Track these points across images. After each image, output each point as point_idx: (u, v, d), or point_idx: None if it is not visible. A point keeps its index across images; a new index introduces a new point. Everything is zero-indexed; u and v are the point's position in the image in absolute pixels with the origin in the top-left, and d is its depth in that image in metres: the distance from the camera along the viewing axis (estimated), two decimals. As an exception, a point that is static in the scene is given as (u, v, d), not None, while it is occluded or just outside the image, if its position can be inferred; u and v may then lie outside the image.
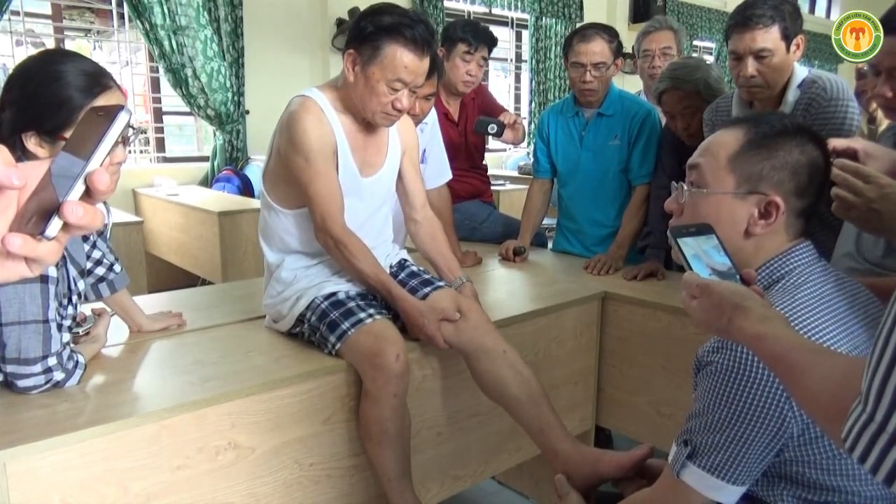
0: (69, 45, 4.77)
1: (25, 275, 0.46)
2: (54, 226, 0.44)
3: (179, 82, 4.64)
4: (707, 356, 0.94)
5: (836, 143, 1.19)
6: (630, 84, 6.80)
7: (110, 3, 4.75)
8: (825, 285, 0.98)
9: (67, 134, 1.17)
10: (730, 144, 1.01)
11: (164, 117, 5.07)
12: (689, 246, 0.89)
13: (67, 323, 1.33)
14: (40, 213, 0.44)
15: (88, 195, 0.45)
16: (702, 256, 0.89)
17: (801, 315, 0.92)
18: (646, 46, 2.80)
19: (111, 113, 0.46)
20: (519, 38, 7.03)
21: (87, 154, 0.45)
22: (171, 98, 4.90)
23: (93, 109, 0.48)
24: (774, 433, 0.88)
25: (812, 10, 10.38)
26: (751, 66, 1.82)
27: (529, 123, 6.71)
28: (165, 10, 4.47)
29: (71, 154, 0.46)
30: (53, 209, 0.44)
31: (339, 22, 5.13)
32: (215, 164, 4.89)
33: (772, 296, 0.96)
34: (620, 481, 1.27)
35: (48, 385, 1.28)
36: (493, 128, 2.43)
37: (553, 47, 6.83)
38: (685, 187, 1.05)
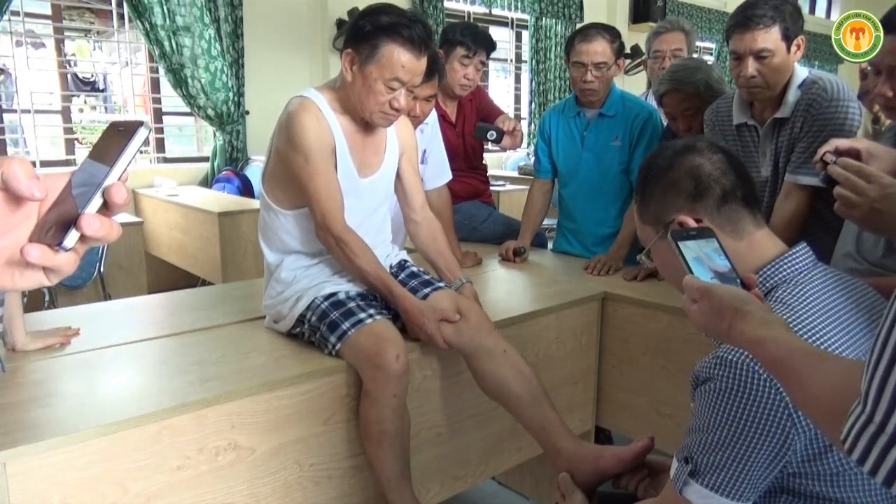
0: (69, 46, 4.77)
1: (43, 283, 0.47)
2: (71, 237, 0.45)
3: (180, 82, 4.63)
4: (706, 372, 0.92)
5: (838, 143, 1.19)
6: (630, 84, 6.80)
7: (110, 4, 4.75)
8: (826, 290, 0.96)
9: None
10: (634, 209, 1.15)
11: (164, 117, 5.07)
12: (691, 249, 0.89)
13: None
14: (59, 224, 0.45)
15: (106, 208, 0.46)
16: (703, 259, 0.89)
17: (800, 324, 0.90)
18: (657, 47, 2.77)
19: (131, 128, 0.47)
20: (519, 38, 7.02)
21: (106, 168, 0.46)
22: (171, 98, 4.90)
23: (113, 124, 0.49)
24: (777, 451, 0.87)
25: (812, 10, 10.38)
26: (751, 67, 1.82)
27: (529, 124, 6.71)
28: (165, 11, 4.47)
29: (90, 167, 0.47)
30: (72, 221, 0.45)
31: (339, 23, 5.13)
32: (215, 164, 4.89)
33: (770, 305, 0.95)
34: (622, 477, 1.27)
35: None
36: (491, 134, 2.43)
37: (553, 48, 6.83)
38: (643, 258, 1.12)
